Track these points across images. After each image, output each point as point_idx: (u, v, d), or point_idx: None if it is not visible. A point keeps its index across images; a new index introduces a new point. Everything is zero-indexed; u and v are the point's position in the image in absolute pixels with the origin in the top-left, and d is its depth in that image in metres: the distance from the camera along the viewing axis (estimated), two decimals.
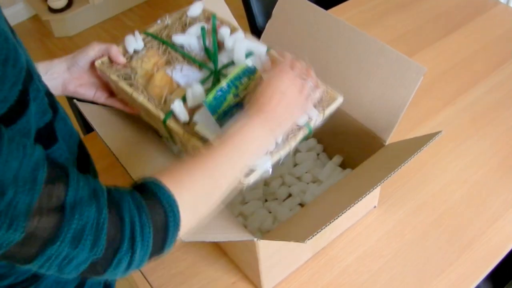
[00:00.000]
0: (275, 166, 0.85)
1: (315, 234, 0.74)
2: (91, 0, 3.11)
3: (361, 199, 0.79)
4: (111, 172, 1.16)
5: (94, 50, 0.95)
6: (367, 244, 1.07)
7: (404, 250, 1.06)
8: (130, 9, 3.36)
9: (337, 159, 1.18)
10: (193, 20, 1.05)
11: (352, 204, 0.78)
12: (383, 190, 1.14)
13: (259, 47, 0.97)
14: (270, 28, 1.22)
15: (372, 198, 1.11)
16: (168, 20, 1.05)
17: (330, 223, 0.77)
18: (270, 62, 0.92)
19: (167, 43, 1.00)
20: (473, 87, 1.40)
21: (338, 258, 1.06)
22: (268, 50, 0.97)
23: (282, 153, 0.85)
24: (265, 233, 1.04)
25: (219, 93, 0.83)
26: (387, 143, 1.03)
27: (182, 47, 1.00)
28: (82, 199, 0.56)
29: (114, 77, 0.93)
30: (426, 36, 1.58)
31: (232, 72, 0.85)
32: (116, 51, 0.96)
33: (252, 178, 0.81)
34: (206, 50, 0.99)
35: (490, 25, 1.62)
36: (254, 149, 0.76)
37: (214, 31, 1.01)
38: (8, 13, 3.24)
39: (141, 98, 0.91)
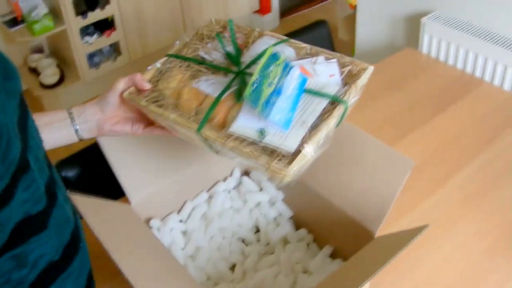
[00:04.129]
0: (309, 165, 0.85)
1: None
2: (82, 77, 3.14)
3: (373, 276, 0.79)
4: None
5: (120, 84, 0.96)
6: None
7: None
8: None
9: (327, 249, 1.15)
10: (210, 32, 1.06)
11: (367, 281, 0.79)
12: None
13: (277, 40, 0.99)
14: None
15: None
16: (185, 37, 1.06)
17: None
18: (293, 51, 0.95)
19: (188, 59, 1.01)
20: (462, 167, 1.40)
21: None
22: (287, 41, 1.00)
23: (320, 134, 0.84)
24: None
25: (254, 85, 0.84)
26: (376, 234, 1.03)
27: (203, 59, 1.01)
28: None
29: (143, 103, 0.94)
30: (416, 116, 1.59)
31: (260, 63, 0.86)
32: (140, 79, 0.97)
33: (295, 165, 0.81)
34: (227, 54, 1.00)
35: (477, 103, 1.63)
36: None
37: (233, 34, 1.02)
38: None
39: (172, 116, 0.91)
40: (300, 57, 0.98)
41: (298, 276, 1.10)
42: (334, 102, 0.88)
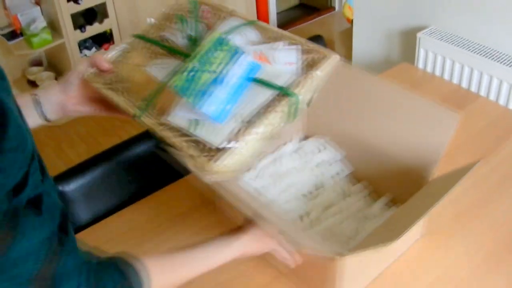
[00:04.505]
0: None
1: (404, 233, 0.81)
2: None
3: (429, 211, 0.89)
4: None
5: (82, 65, 0.97)
6: None
7: None
8: None
9: (384, 199, 1.26)
10: (179, 12, 1.02)
11: (422, 217, 0.88)
12: None
13: (243, 22, 0.94)
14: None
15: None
16: (154, 19, 1.04)
17: (415, 224, 0.85)
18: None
19: (151, 40, 0.98)
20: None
21: None
22: (254, 23, 0.94)
23: (256, 130, 0.79)
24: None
25: (190, 74, 0.78)
26: (430, 179, 1.14)
27: (167, 40, 0.97)
28: (68, 271, 0.67)
29: (97, 84, 0.93)
30: None
31: (203, 47, 0.80)
32: (100, 59, 0.97)
33: (222, 161, 0.77)
34: (189, 37, 0.95)
35: (473, 118, 1.64)
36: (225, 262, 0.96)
37: (196, 15, 0.98)
38: None
39: (116, 99, 0.90)
40: (264, 41, 0.92)
41: (360, 222, 1.20)
42: (284, 94, 0.81)
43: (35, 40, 2.93)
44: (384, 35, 2.49)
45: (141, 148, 1.48)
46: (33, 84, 3.18)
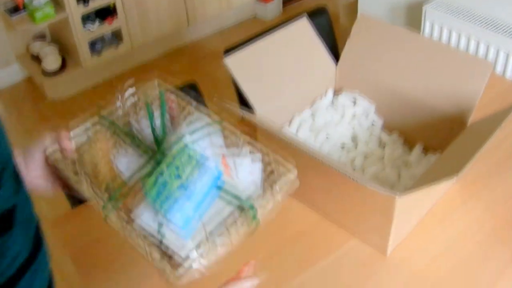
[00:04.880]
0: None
1: (468, 165, 0.89)
2: (84, 64, 3.15)
3: (482, 148, 0.95)
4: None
5: (46, 140, 0.94)
6: None
7: None
8: (123, 73, 3.40)
9: (420, 146, 1.34)
10: (147, 97, 1.02)
11: (477, 153, 0.94)
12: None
13: (208, 123, 0.95)
14: (348, 46, 1.45)
15: None
16: (122, 99, 1.02)
17: (477, 153, 0.93)
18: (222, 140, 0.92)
19: (116, 126, 0.98)
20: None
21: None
22: (219, 123, 0.95)
23: (219, 240, 0.80)
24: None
25: (158, 180, 0.80)
26: (469, 123, 1.22)
27: (132, 127, 0.98)
28: None
29: (61, 165, 0.92)
30: None
31: (170, 153, 0.82)
32: (64, 136, 0.94)
33: (185, 278, 0.76)
34: (153, 130, 0.95)
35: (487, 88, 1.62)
36: None
37: (163, 108, 0.98)
38: (2, 74, 3.29)
39: (84, 187, 0.88)
40: (227, 145, 0.94)
41: (401, 169, 1.29)
42: (244, 206, 0.84)
43: (38, 14, 2.91)
44: (390, 8, 2.46)
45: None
46: (36, 58, 3.18)
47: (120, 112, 1.01)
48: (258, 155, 0.90)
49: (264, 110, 1.29)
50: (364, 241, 1.18)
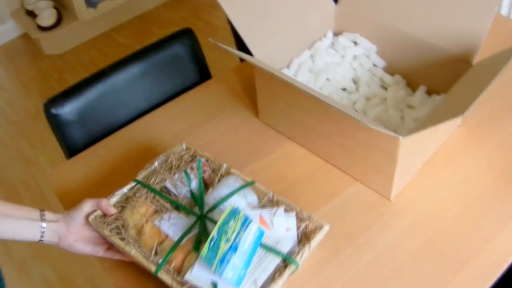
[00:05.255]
0: None
1: (473, 104, 0.84)
2: (80, 17, 3.07)
3: (489, 85, 0.90)
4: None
5: (87, 206, 1.01)
6: None
7: (397, 273, 1.00)
8: (121, 25, 3.33)
9: (423, 88, 1.29)
10: (178, 162, 1.11)
11: (485, 89, 0.89)
12: (350, 236, 1.08)
13: (242, 184, 1.05)
14: None
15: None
16: (155, 164, 1.11)
17: (483, 92, 0.88)
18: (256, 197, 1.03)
19: (154, 191, 1.05)
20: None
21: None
22: (252, 184, 1.05)
23: None
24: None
25: (212, 243, 0.89)
26: (474, 63, 1.16)
27: (169, 191, 1.06)
28: None
29: (106, 232, 0.99)
30: None
31: (220, 218, 0.91)
32: (106, 205, 1.01)
33: None
34: (191, 194, 1.05)
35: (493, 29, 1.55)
36: None
37: (200, 173, 1.08)
38: None
39: (133, 252, 0.96)
40: (261, 204, 1.03)
41: (404, 110, 1.25)
42: (286, 260, 0.93)
43: None
44: None
45: (136, 68, 1.43)
46: (31, 14, 3.10)
47: (153, 177, 1.08)
48: (292, 213, 0.99)
49: (262, 53, 1.23)
50: (368, 185, 1.14)
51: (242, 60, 1.59)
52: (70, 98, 1.34)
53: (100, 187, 1.21)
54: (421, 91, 1.28)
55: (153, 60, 1.46)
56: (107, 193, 1.05)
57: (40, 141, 2.65)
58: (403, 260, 1.01)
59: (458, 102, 0.98)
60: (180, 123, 1.34)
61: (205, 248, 0.89)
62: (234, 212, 0.92)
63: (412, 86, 1.33)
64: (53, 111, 1.31)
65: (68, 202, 1.18)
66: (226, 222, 0.90)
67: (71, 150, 1.36)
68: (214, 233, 0.89)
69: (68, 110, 1.33)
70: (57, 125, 1.33)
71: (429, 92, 1.29)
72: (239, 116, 1.35)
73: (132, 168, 1.14)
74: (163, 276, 0.92)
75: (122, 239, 0.98)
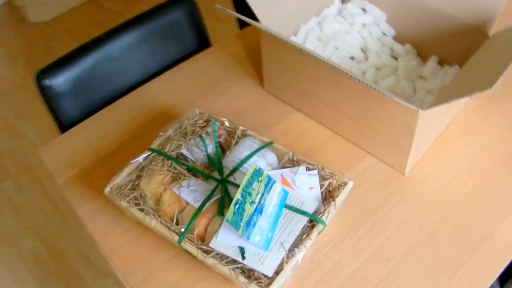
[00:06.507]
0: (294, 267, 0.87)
1: (501, 77, 0.80)
2: None
3: None
4: (76, 183, 1.12)
5: None
6: None
7: (413, 252, 0.96)
8: None
9: (435, 58, 1.23)
10: (193, 127, 1.07)
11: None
12: (365, 213, 1.04)
13: (260, 144, 1.02)
14: None
15: None
16: (170, 131, 1.07)
17: (510, 65, 0.84)
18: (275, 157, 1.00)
19: (171, 158, 1.01)
20: None
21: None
22: (271, 144, 1.01)
23: (299, 256, 0.86)
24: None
25: (237, 206, 0.85)
26: (491, 34, 1.11)
27: (185, 157, 1.03)
28: None
29: (124, 203, 0.95)
30: None
31: (243, 180, 0.86)
32: None
33: (275, 285, 0.83)
34: (209, 158, 1.02)
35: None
36: None
37: (216, 136, 1.04)
38: None
39: (153, 223, 0.92)
40: (281, 164, 1.00)
41: (416, 81, 1.19)
42: (313, 220, 0.90)
43: None
44: None
45: (132, 35, 1.36)
46: None
47: (168, 144, 1.04)
48: (314, 171, 0.96)
49: (268, 20, 1.17)
50: (381, 159, 1.09)
51: (241, 27, 1.52)
52: (63, 68, 1.26)
53: (101, 162, 1.14)
54: (433, 61, 1.22)
55: (150, 27, 1.39)
56: (109, 168, 0.99)
57: (27, 111, 2.56)
58: (418, 239, 0.97)
59: (479, 74, 0.93)
60: (181, 93, 1.28)
61: (230, 212, 0.85)
62: (257, 173, 0.88)
63: (422, 56, 1.27)
64: (46, 82, 1.24)
65: (65, 180, 1.11)
66: (249, 183, 0.87)
67: (65, 123, 1.29)
68: (238, 195, 0.85)
69: (61, 80, 1.26)
70: (50, 97, 1.26)
71: (441, 63, 1.23)
72: (242, 85, 1.29)
73: (136, 139, 1.08)
74: (187, 245, 0.89)
75: (141, 210, 0.94)
